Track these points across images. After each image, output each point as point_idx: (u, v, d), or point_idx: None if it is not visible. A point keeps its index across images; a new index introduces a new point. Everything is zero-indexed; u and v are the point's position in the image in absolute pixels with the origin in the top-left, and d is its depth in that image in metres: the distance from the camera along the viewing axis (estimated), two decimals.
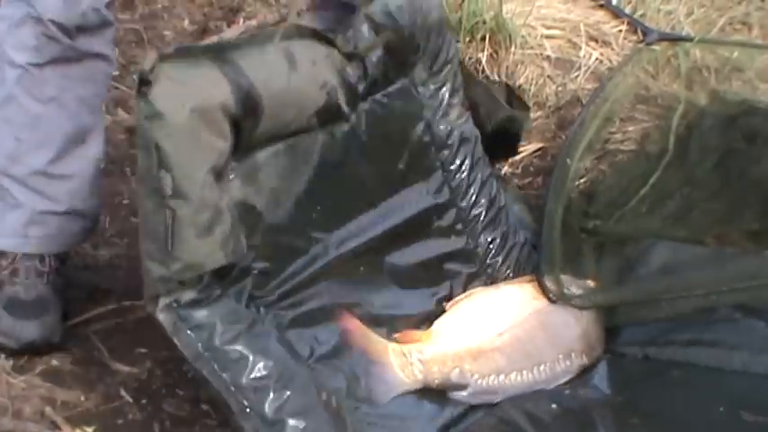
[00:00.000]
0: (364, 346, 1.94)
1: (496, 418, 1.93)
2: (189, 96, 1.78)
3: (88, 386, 2.08)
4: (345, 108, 2.00)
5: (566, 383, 2.04)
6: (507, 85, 2.31)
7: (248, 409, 1.78)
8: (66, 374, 2.10)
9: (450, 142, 2.17)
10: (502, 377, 1.99)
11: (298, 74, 1.91)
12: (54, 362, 2.12)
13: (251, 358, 1.80)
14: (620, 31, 2.79)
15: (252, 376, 1.79)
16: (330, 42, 1.99)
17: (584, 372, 2.07)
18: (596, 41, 2.77)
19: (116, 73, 2.88)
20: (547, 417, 1.94)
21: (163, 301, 1.80)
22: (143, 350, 2.15)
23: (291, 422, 1.78)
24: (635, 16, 2.81)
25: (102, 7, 2.07)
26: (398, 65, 2.10)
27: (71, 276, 2.21)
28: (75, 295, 2.22)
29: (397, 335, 1.99)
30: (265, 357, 1.81)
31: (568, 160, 2.27)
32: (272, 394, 1.79)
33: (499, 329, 2.03)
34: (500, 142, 2.27)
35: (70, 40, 2.05)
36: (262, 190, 1.91)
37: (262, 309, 1.89)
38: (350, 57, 2.01)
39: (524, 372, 2.00)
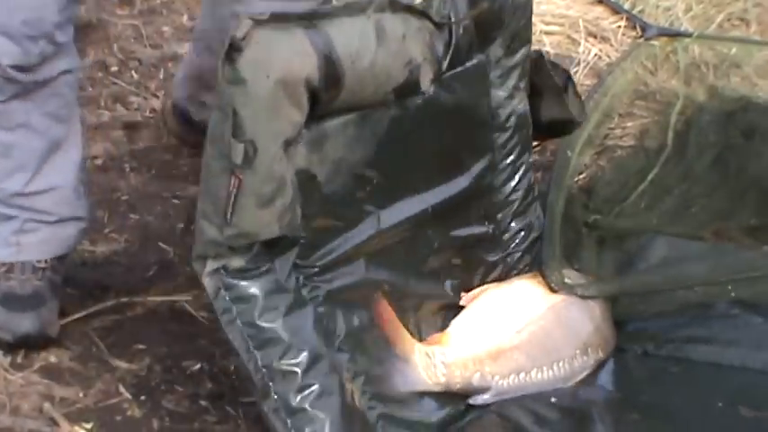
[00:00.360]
0: (393, 340, 1.91)
1: (496, 415, 1.93)
2: (275, 67, 1.73)
3: (87, 382, 2.07)
4: (424, 84, 1.95)
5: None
6: (568, 73, 2.20)
7: (274, 394, 1.76)
8: (64, 371, 2.09)
9: (507, 125, 2.11)
10: (522, 375, 1.96)
11: (384, 49, 1.85)
12: (52, 358, 2.11)
13: (286, 341, 1.77)
14: (619, 26, 2.80)
15: (283, 360, 1.77)
16: (423, 14, 1.93)
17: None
18: (595, 37, 2.78)
19: (114, 69, 2.89)
20: (547, 413, 1.94)
21: (211, 265, 1.77)
22: (142, 346, 2.14)
23: (313, 413, 1.76)
24: (634, 12, 2.82)
25: (60, 34, 2.00)
26: (481, 39, 2.04)
27: (69, 273, 2.20)
28: (73, 292, 2.22)
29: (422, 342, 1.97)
30: (300, 343, 1.78)
31: (569, 152, 2.27)
32: (299, 382, 1.77)
33: (517, 327, 2.00)
34: (540, 132, 2.23)
35: (32, 76, 2.00)
36: (325, 159, 1.85)
37: (302, 279, 1.85)
38: (440, 26, 1.95)
39: (544, 368, 1.98)
